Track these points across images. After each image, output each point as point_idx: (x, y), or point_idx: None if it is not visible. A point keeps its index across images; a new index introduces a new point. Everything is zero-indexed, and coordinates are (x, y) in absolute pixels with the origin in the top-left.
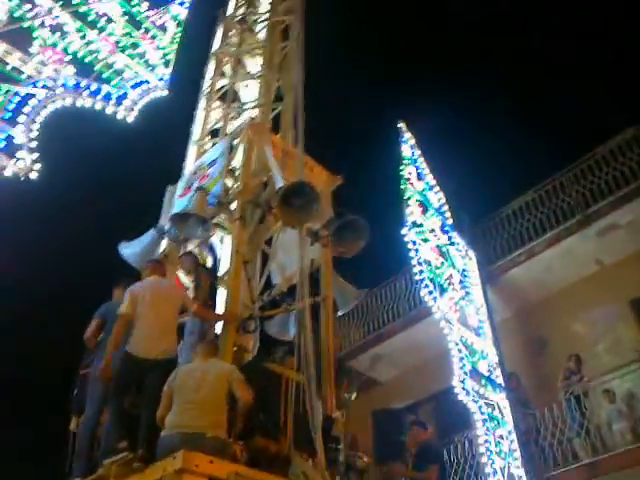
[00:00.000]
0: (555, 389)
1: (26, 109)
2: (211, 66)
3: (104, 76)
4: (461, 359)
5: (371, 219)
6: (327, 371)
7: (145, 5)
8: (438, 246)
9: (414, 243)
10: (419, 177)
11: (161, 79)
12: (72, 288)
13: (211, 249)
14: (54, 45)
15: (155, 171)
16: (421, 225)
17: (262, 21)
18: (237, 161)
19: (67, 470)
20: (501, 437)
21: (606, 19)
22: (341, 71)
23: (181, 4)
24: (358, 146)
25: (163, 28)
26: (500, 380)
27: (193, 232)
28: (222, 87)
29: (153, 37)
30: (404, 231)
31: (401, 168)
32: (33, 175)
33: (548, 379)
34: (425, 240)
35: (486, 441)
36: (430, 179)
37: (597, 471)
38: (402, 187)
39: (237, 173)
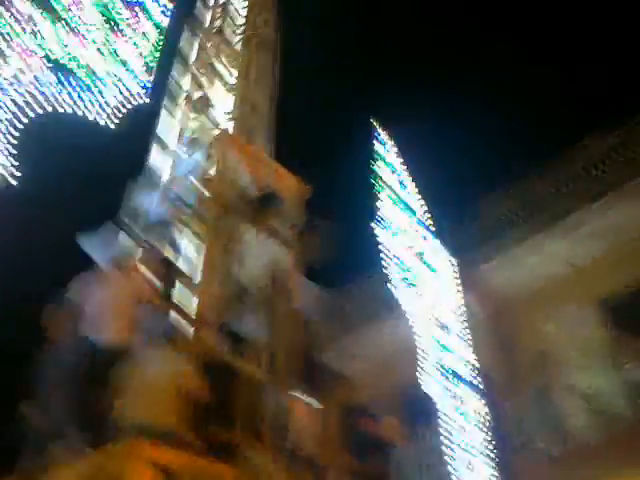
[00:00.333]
0: (522, 383)
1: (6, 115)
2: (186, 77)
3: (85, 82)
4: (428, 354)
5: (345, 216)
6: (284, 364)
7: (127, 13)
8: (410, 243)
9: (384, 239)
10: (392, 173)
11: (143, 86)
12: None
13: (173, 246)
14: (34, 52)
15: (137, 174)
16: (393, 221)
17: (239, 33)
18: (212, 170)
19: (14, 452)
20: (465, 429)
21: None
22: (318, 69)
23: (163, 12)
24: (334, 143)
25: (145, 35)
26: (467, 375)
27: (162, 237)
28: (199, 97)
29: (135, 44)
30: (374, 226)
31: (373, 164)
32: (14, 181)
33: (516, 375)
34: (396, 235)
35: (451, 434)
36: (403, 175)
37: (560, 463)
38: (373, 183)
39: (210, 182)
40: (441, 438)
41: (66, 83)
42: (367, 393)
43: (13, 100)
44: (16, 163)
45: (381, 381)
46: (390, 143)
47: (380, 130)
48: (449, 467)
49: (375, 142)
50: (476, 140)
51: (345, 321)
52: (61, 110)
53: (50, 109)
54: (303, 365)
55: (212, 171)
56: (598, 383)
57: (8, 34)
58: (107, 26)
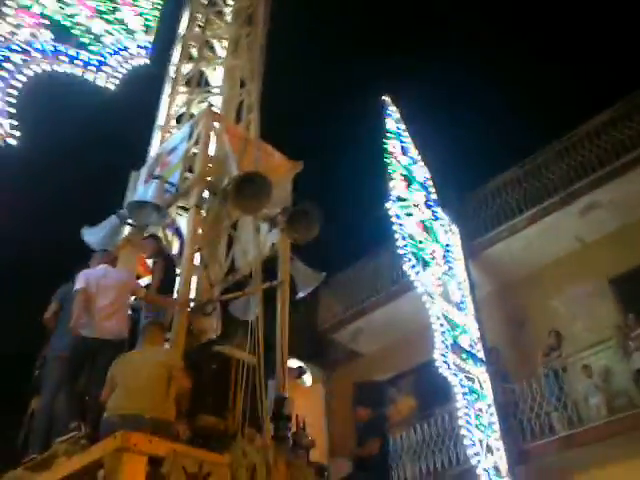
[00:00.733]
0: (534, 364)
1: (1, 73)
2: (177, 50)
3: (83, 41)
4: (442, 333)
5: (354, 193)
6: (282, 352)
7: None
8: (422, 221)
9: (397, 217)
10: (403, 151)
11: (142, 46)
12: (47, 256)
13: (177, 232)
14: (29, 7)
15: (135, 138)
16: (405, 199)
17: (232, 5)
18: (197, 149)
19: (21, 446)
20: (480, 410)
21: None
22: (325, 47)
23: None
24: (343, 121)
25: None
26: (480, 354)
27: (148, 219)
28: (189, 72)
29: (134, 2)
30: (388, 205)
31: (385, 142)
32: (12, 141)
33: (528, 354)
34: (409, 215)
35: (466, 414)
36: (415, 153)
37: (573, 443)
38: (386, 161)
39: (195, 161)
40: (456, 417)
41: (63, 43)
42: (380, 372)
43: (8, 58)
44: (15, 123)
45: (395, 360)
46: (401, 121)
47: (392, 107)
48: (463, 447)
49: (386, 119)
50: (489, 118)
51: (357, 300)
52: (59, 69)
53: (48, 68)
54: (312, 344)
55: (196, 149)
56: (611, 364)
57: None
58: None
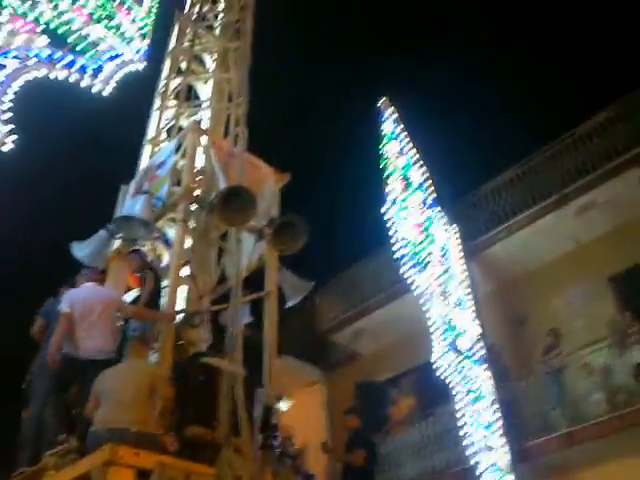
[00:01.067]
0: (534, 362)
1: None
2: (167, 64)
3: (78, 48)
4: (441, 334)
5: (354, 194)
6: (269, 362)
7: None
8: (420, 222)
9: (395, 220)
10: (401, 153)
11: (137, 52)
12: (44, 257)
13: (167, 243)
14: (25, 15)
15: (130, 143)
16: (403, 201)
17: (221, 19)
18: (182, 162)
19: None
20: (479, 410)
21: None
22: (325, 47)
23: None
24: (343, 122)
25: (139, 0)
26: (480, 353)
27: (136, 234)
28: (177, 86)
29: (129, 9)
30: (384, 209)
31: (381, 146)
32: (7, 147)
33: (527, 353)
34: (406, 218)
35: (465, 414)
36: (412, 155)
37: (573, 441)
38: (383, 165)
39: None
40: (455, 418)
41: (59, 49)
42: (381, 372)
43: (4, 65)
44: (10, 127)
45: (395, 360)
46: (398, 121)
47: (388, 110)
48: (463, 447)
49: (383, 122)
50: (486, 119)
51: (357, 301)
52: (53, 76)
53: (43, 74)
54: (313, 346)
55: (182, 163)
56: (610, 361)
57: None
58: None
